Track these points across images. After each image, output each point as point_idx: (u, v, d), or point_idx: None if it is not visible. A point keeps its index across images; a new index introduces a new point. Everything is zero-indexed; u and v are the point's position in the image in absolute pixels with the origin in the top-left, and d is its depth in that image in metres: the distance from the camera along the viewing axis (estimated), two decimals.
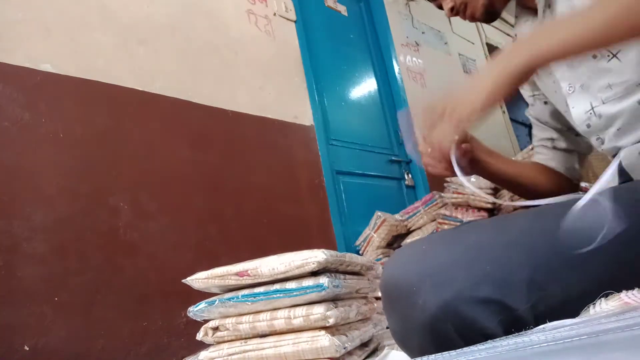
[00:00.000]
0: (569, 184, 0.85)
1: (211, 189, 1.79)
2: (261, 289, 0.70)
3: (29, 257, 1.30)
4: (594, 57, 0.63)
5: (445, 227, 1.96)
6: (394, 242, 2.18)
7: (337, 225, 2.21)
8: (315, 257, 0.66)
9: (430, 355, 0.32)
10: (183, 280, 0.78)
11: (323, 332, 0.66)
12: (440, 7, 0.84)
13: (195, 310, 0.76)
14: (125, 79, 1.68)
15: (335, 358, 0.65)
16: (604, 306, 0.37)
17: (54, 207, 1.39)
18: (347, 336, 0.69)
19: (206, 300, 0.75)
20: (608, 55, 0.61)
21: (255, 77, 2.16)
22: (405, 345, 0.49)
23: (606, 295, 0.38)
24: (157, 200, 1.62)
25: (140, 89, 1.71)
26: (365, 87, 2.97)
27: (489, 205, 1.87)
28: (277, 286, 0.69)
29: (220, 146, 1.89)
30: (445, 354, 0.32)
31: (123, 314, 1.42)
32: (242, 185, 1.90)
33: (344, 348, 0.66)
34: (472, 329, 0.41)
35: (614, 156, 0.64)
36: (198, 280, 0.75)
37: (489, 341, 0.36)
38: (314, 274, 0.69)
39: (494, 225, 0.53)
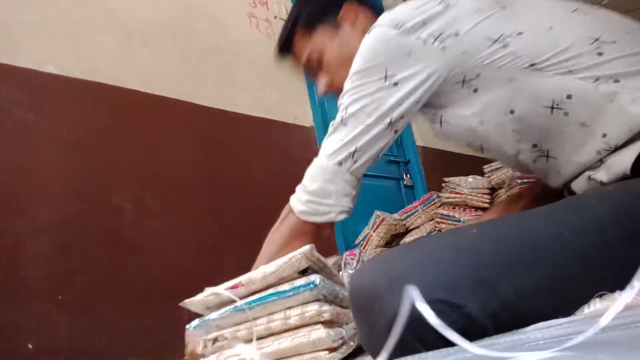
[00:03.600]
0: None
1: (213, 189, 1.81)
2: (255, 296, 0.72)
3: (33, 256, 1.31)
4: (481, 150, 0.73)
5: (443, 226, 1.98)
6: (393, 241, 2.19)
7: (337, 224, 2.22)
8: (300, 251, 0.69)
9: (431, 352, 0.33)
10: (180, 304, 0.79)
11: (319, 325, 0.67)
12: (314, 79, 0.90)
13: (194, 327, 0.77)
14: (128, 80, 1.69)
15: (332, 348, 0.67)
16: (598, 306, 0.39)
17: (58, 206, 1.40)
18: (343, 327, 0.71)
19: (200, 318, 0.77)
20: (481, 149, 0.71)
21: (256, 79, 2.17)
22: (372, 351, 0.50)
23: (600, 296, 0.39)
24: (159, 200, 1.63)
25: (143, 90, 1.72)
26: None
27: (486, 205, 1.89)
28: (270, 290, 0.71)
29: (222, 147, 1.91)
30: (443, 350, 0.33)
31: (126, 312, 1.43)
32: (243, 185, 1.91)
33: (341, 339, 0.68)
34: (427, 331, 0.40)
35: (567, 190, 0.70)
36: (194, 302, 0.77)
37: (486, 338, 0.38)
38: (304, 273, 0.71)
39: (451, 234, 0.57)
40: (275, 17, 2.43)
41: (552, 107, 0.61)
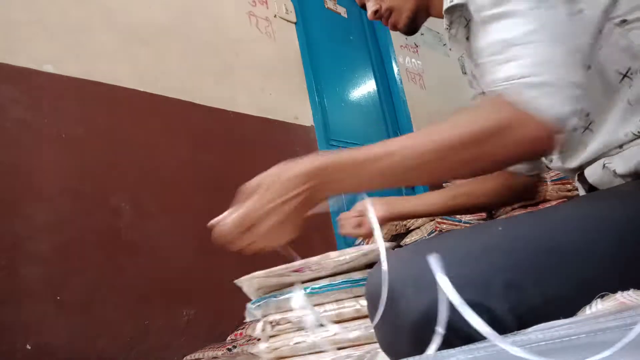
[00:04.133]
0: (526, 182, 0.82)
1: (212, 189, 1.80)
2: (324, 282, 0.70)
3: (31, 257, 1.30)
4: None
5: (444, 226, 1.97)
6: (394, 241, 2.19)
7: (336, 224, 2.22)
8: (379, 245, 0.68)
9: (429, 354, 0.33)
10: (235, 281, 0.74)
11: None
12: (363, 7, 0.86)
13: (254, 305, 0.74)
14: (127, 80, 1.69)
15: None
16: (600, 306, 0.38)
17: (56, 206, 1.39)
18: None
19: (266, 295, 0.74)
20: None
21: (256, 78, 2.17)
22: (391, 352, 0.49)
23: (602, 297, 0.38)
24: (158, 200, 1.62)
25: (142, 89, 1.72)
26: (364, 88, 2.98)
27: None
28: (341, 277, 0.69)
29: (221, 146, 1.90)
30: (444, 351, 0.33)
31: (124, 313, 1.43)
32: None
33: None
34: (453, 332, 0.39)
35: (578, 174, 0.66)
36: (255, 278, 0.72)
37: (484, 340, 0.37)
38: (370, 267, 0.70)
39: (475, 232, 0.54)
40: (275, 16, 2.42)
41: (625, 75, 0.55)
